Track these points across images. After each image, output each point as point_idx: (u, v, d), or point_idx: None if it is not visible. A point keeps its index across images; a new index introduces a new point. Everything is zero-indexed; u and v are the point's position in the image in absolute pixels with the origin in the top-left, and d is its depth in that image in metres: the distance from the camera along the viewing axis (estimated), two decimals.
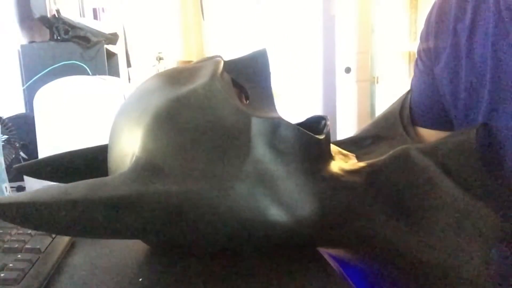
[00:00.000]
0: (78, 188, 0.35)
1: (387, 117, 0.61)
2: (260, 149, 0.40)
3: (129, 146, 0.40)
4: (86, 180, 0.36)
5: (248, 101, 0.47)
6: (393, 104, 0.64)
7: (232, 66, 0.47)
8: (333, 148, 0.50)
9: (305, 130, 0.43)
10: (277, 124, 0.41)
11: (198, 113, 0.40)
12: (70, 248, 0.48)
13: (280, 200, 0.40)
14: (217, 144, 0.39)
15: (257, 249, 0.44)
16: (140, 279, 0.42)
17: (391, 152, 0.47)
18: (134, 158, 0.39)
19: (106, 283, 0.41)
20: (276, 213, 0.40)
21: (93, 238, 0.46)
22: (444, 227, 0.42)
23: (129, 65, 2.51)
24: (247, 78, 0.47)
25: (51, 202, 0.34)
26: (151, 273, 0.43)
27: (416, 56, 0.64)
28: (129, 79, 2.42)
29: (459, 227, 0.42)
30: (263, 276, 0.41)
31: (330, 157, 0.46)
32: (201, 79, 0.42)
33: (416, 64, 0.63)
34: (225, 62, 0.47)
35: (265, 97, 0.46)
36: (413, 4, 3.01)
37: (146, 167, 0.38)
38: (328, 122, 0.49)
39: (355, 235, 0.44)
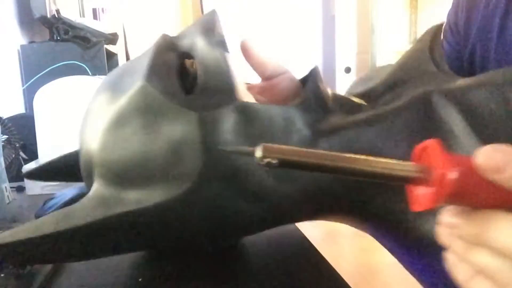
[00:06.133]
0: (48, 222, 0.36)
1: (414, 56, 0.49)
2: (214, 146, 0.37)
3: (90, 164, 0.40)
4: (55, 212, 0.37)
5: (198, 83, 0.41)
6: (417, 42, 0.51)
7: (182, 37, 0.45)
8: (342, 98, 0.45)
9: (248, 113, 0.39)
10: (221, 116, 0.38)
11: (140, 121, 0.38)
12: None
13: (248, 192, 0.39)
14: (168, 149, 0.37)
15: (240, 233, 0.44)
16: (140, 279, 0.42)
17: (409, 97, 0.39)
18: (94, 180, 0.39)
19: (105, 283, 0.41)
20: (245, 205, 0.39)
21: (74, 262, 0.45)
22: None
23: None
24: (196, 43, 0.43)
25: (24, 241, 0.35)
26: (151, 273, 0.43)
27: (441, 37, 0.56)
28: None
29: None
30: (263, 277, 0.41)
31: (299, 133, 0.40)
32: (136, 82, 0.39)
33: (442, 46, 0.61)
34: (172, 38, 0.45)
35: (218, 66, 0.40)
36: (413, 4, 3.01)
37: (107, 189, 0.38)
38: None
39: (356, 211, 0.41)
